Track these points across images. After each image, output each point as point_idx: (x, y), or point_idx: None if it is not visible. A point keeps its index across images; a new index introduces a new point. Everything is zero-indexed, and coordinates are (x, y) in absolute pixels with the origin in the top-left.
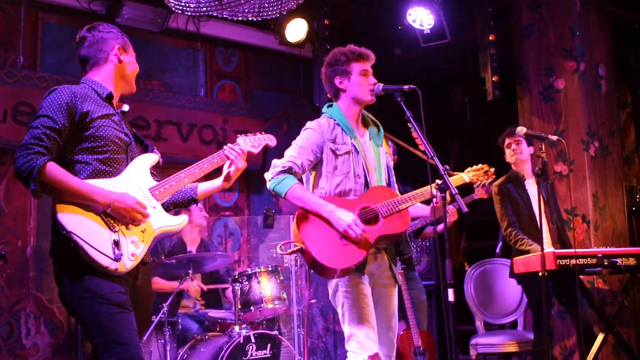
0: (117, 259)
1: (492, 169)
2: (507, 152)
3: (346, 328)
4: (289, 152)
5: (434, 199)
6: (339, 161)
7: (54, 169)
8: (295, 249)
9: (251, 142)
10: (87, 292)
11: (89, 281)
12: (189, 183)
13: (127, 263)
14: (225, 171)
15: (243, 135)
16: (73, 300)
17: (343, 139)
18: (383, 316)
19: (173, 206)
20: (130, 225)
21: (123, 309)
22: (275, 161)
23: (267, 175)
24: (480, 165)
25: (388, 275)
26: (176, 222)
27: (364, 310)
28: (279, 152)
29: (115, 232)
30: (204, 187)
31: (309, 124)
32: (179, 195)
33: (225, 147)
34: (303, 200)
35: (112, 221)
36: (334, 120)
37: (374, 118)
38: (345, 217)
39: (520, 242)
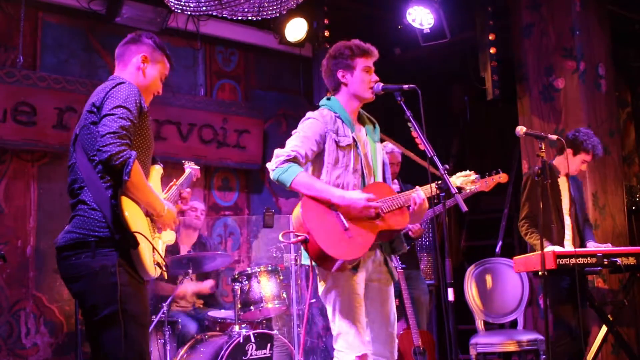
0: (157, 265)
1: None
2: (577, 165)
3: (335, 326)
4: (292, 142)
5: (413, 205)
6: (341, 153)
7: (137, 165)
8: (300, 238)
9: (185, 184)
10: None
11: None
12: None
13: (158, 271)
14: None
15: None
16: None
17: (344, 131)
18: (380, 312)
19: None
20: (155, 234)
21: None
22: (278, 150)
23: (270, 165)
24: (468, 172)
25: (383, 270)
26: (171, 237)
27: (355, 310)
28: None
29: (153, 238)
30: None
31: (310, 114)
32: None
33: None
34: (311, 187)
35: (153, 226)
36: (335, 113)
37: (369, 115)
38: (359, 196)
39: (530, 236)
